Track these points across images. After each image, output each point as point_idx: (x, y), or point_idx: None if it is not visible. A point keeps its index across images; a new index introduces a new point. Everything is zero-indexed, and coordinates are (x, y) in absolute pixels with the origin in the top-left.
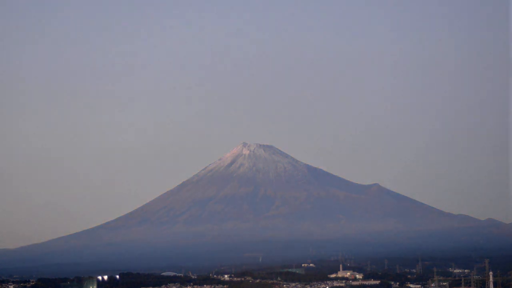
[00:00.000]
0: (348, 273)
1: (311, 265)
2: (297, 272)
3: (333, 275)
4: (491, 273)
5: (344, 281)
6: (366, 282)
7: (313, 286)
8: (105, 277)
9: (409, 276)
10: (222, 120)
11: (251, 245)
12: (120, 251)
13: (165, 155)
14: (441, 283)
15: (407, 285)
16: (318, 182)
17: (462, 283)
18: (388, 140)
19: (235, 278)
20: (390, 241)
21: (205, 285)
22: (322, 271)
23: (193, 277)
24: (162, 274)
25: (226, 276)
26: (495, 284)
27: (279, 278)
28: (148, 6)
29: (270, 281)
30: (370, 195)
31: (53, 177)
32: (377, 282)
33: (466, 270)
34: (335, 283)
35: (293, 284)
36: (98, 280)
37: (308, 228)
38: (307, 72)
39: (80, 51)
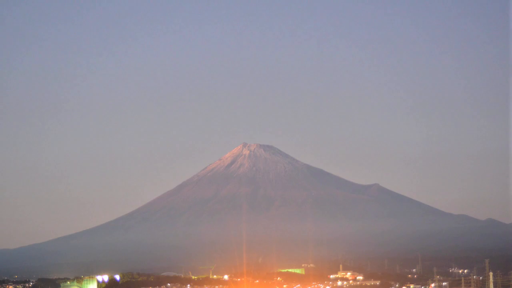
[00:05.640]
0: (348, 273)
1: (311, 265)
2: (297, 272)
3: (333, 275)
4: (491, 273)
5: (344, 281)
6: (366, 282)
7: (313, 286)
8: (105, 277)
9: (409, 276)
10: (222, 120)
11: (251, 245)
12: (120, 251)
13: (165, 155)
14: (441, 283)
15: (407, 285)
16: (318, 182)
17: (462, 283)
18: (388, 140)
19: (235, 278)
20: (390, 241)
21: (205, 285)
22: (322, 271)
23: (193, 277)
24: (162, 274)
25: (226, 276)
26: (495, 284)
27: (279, 278)
28: (147, 5)
29: (270, 281)
30: (370, 195)
31: (54, 177)
32: (377, 282)
33: (466, 270)
34: (335, 283)
35: (293, 284)
36: (98, 280)
37: (308, 228)
38: (307, 72)
39: (80, 51)
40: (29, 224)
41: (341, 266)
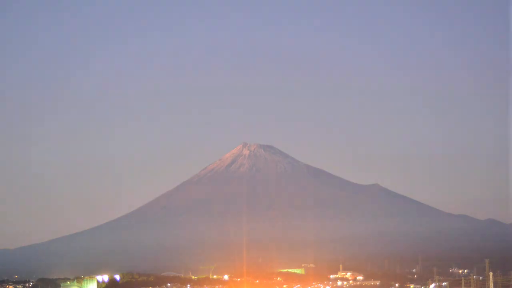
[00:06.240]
0: (348, 273)
1: (311, 265)
2: (297, 272)
3: (333, 275)
4: (491, 273)
5: (344, 281)
6: (366, 282)
7: (313, 286)
8: (105, 277)
9: (409, 276)
10: (222, 120)
11: (251, 245)
12: (120, 251)
13: (165, 155)
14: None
15: (407, 285)
16: (318, 182)
17: (462, 283)
18: (388, 140)
19: (235, 278)
20: (390, 241)
21: (205, 285)
22: (322, 271)
23: (193, 277)
24: (162, 274)
25: (226, 276)
26: (495, 284)
27: (279, 278)
28: (147, 5)
29: (270, 281)
30: (370, 195)
31: (53, 177)
32: (377, 282)
33: (466, 270)
34: (335, 283)
35: (293, 284)
36: (98, 280)
37: (308, 228)
38: (307, 72)
39: (79, 51)
40: (29, 224)
41: (341, 266)
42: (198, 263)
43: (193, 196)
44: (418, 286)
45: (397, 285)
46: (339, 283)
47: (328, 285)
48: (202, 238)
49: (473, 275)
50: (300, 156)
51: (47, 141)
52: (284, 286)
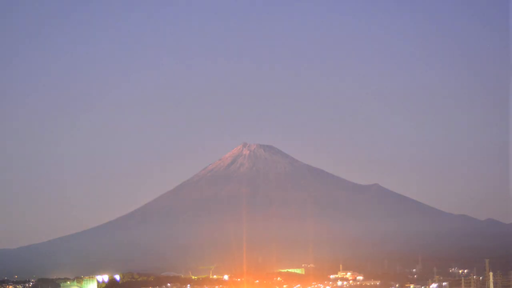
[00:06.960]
0: (348, 273)
1: (311, 265)
2: (297, 272)
3: (333, 275)
4: (491, 273)
5: (344, 281)
6: (366, 282)
7: (313, 286)
8: (105, 277)
9: (409, 276)
10: (222, 120)
11: (251, 245)
12: (120, 251)
13: (165, 155)
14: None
15: (407, 285)
16: (318, 182)
17: (462, 283)
18: (388, 140)
19: (235, 278)
20: (390, 241)
21: (205, 285)
22: (322, 271)
23: (193, 277)
24: (162, 274)
25: (226, 276)
26: (495, 284)
27: (279, 278)
28: (147, 5)
29: (270, 281)
30: (370, 195)
31: (53, 177)
32: (377, 282)
33: (466, 270)
34: (335, 283)
35: (293, 284)
36: (98, 280)
37: (308, 228)
38: (307, 72)
39: (79, 51)
40: (29, 224)
41: (341, 266)
42: (198, 263)
43: (193, 196)
44: (418, 286)
45: (397, 285)
46: (339, 283)
47: (328, 285)
48: (202, 238)
49: (473, 275)
50: (300, 156)
51: (47, 141)
52: (284, 286)
